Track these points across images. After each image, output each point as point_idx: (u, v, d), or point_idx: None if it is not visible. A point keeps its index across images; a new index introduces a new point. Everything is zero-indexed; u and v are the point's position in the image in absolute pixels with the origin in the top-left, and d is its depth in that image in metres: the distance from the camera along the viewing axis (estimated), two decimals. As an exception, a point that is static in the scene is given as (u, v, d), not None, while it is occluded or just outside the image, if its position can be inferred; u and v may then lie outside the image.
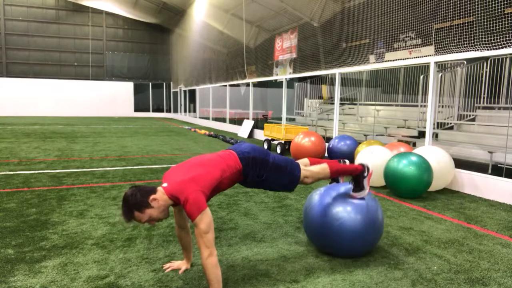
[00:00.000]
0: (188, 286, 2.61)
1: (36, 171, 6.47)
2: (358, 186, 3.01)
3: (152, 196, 2.32)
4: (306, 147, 7.75)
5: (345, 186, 3.15)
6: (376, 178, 5.72)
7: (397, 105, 11.36)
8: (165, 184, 2.42)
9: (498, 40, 5.24)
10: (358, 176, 2.99)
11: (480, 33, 5.51)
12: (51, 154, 8.48)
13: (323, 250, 3.22)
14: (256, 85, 16.48)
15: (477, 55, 5.58)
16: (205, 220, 2.28)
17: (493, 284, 2.73)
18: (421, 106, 9.15)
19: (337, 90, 8.93)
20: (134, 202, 2.28)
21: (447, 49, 6.04)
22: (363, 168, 2.98)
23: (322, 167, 2.92)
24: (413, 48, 6.95)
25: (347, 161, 3.15)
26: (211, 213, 2.35)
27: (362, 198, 3.00)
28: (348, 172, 3.02)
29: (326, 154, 8.12)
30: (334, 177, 3.16)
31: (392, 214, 4.44)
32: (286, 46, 12.03)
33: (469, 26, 5.68)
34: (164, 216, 2.42)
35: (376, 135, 9.49)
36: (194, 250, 3.21)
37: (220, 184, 2.55)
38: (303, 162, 3.06)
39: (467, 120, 8.45)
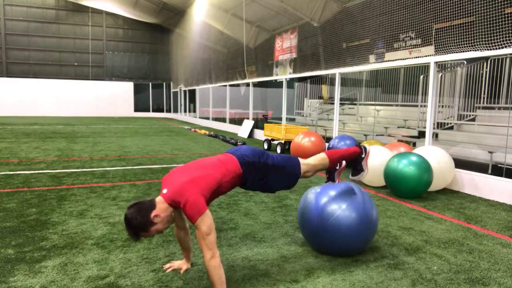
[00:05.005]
0: (188, 286, 2.61)
1: (36, 171, 6.47)
2: (356, 169, 3.04)
3: (153, 213, 2.29)
4: (306, 147, 7.75)
5: (339, 185, 3.17)
6: (376, 178, 5.72)
7: (397, 105, 11.36)
8: (164, 191, 2.39)
9: (498, 40, 5.24)
10: (356, 159, 3.00)
11: (480, 33, 5.51)
12: (51, 154, 8.48)
13: (320, 250, 3.22)
14: (256, 85, 16.48)
15: (477, 55, 5.58)
16: (206, 222, 2.26)
17: (493, 284, 2.73)
18: (421, 106, 9.15)
19: (337, 90, 8.93)
20: (137, 225, 2.26)
21: (447, 49, 6.04)
22: (361, 150, 2.99)
23: (321, 158, 2.91)
24: (413, 48, 6.95)
25: (368, 148, 3.10)
26: (211, 214, 2.34)
27: (363, 177, 2.98)
28: (346, 157, 3.00)
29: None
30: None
31: (392, 214, 4.44)
32: (286, 46, 12.02)
33: (469, 26, 5.68)
34: (170, 224, 2.42)
35: (376, 135, 9.48)
36: (194, 250, 3.21)
37: (219, 188, 2.52)
38: (320, 159, 3.01)
39: (467, 120, 8.45)
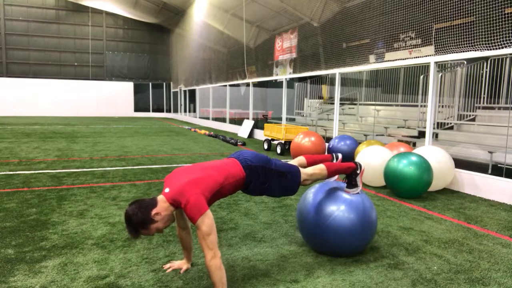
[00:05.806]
0: (188, 286, 2.61)
1: (36, 171, 6.47)
2: (351, 183, 3.13)
3: (154, 211, 2.30)
4: (306, 147, 7.75)
5: (338, 184, 3.23)
6: (376, 178, 5.72)
7: (397, 105, 11.36)
8: (166, 190, 2.40)
9: (498, 40, 5.24)
10: (351, 174, 3.10)
11: (480, 33, 5.51)
12: (51, 154, 8.48)
13: (318, 249, 3.22)
14: (256, 85, 16.48)
15: (477, 55, 5.58)
16: (207, 222, 2.26)
17: (493, 284, 2.73)
18: (421, 106, 9.15)
19: (337, 90, 8.93)
20: (137, 221, 2.26)
21: (447, 49, 6.04)
22: (356, 166, 3.09)
23: (320, 168, 2.97)
24: (413, 48, 6.95)
25: (339, 155, 3.24)
26: (212, 215, 2.34)
27: (357, 193, 3.10)
28: (343, 171, 3.09)
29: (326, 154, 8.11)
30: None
31: (392, 214, 4.44)
32: (286, 46, 12.02)
33: (469, 26, 5.68)
34: (170, 223, 2.42)
35: (376, 135, 9.48)
36: (194, 250, 3.21)
37: (221, 190, 2.54)
38: (299, 161, 3.10)
39: (467, 120, 8.45)
